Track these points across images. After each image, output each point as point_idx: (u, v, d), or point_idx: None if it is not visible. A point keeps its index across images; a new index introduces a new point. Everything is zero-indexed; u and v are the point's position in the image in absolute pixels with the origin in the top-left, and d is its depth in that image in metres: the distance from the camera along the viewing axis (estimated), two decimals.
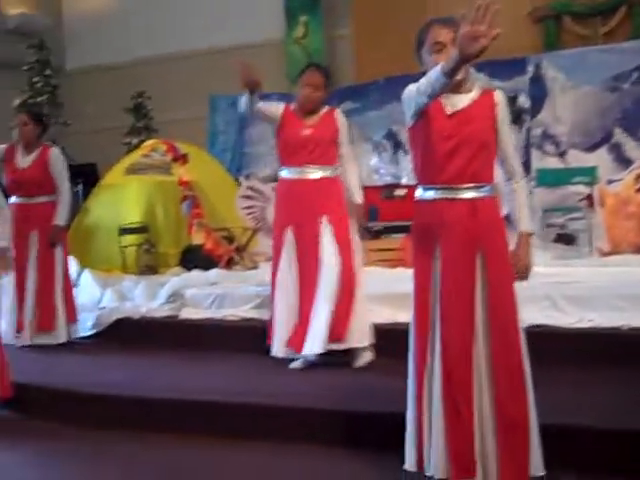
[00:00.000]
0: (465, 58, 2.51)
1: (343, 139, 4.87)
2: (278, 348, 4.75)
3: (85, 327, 6.21)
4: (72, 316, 6.04)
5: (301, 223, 4.75)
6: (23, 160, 5.92)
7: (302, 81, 4.77)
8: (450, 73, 2.61)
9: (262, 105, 4.69)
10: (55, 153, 6.03)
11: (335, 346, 4.65)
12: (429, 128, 2.88)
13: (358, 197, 4.89)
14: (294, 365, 4.79)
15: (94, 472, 3.67)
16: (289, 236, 4.77)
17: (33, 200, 5.90)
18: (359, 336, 4.70)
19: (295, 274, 4.76)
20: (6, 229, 4.93)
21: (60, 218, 5.93)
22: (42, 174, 5.88)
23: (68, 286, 6.09)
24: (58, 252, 5.95)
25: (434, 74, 2.67)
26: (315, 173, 4.76)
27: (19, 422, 4.56)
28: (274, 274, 4.85)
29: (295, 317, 4.72)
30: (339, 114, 4.92)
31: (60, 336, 5.93)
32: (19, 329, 5.86)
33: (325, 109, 4.86)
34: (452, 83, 2.71)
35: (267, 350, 4.83)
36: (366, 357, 4.77)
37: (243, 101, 4.64)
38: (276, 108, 4.82)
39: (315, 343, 4.60)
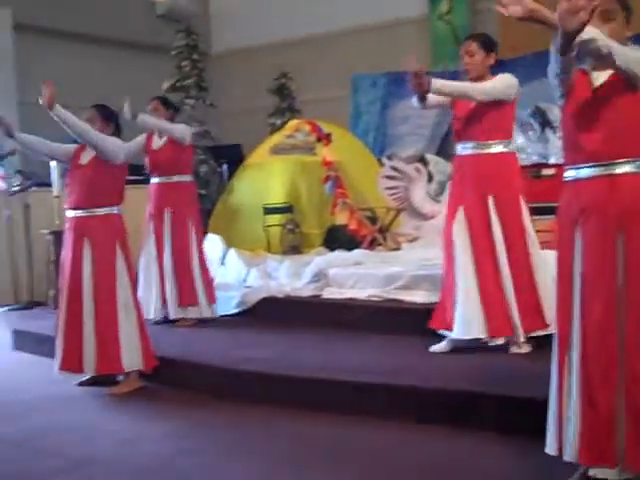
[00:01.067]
0: (567, 34, 2.42)
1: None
2: (461, 330, 4.50)
3: (231, 305, 6.35)
4: (211, 297, 6.17)
5: (470, 203, 4.56)
6: (156, 143, 6.20)
7: (460, 55, 4.62)
8: (561, 50, 2.52)
9: (432, 98, 4.53)
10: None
11: (541, 332, 4.45)
12: (571, 104, 2.81)
13: None
14: (436, 348, 4.70)
15: (237, 444, 3.74)
16: (460, 216, 4.58)
17: (168, 180, 6.11)
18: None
19: (469, 255, 4.53)
20: None
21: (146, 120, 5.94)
22: (174, 155, 6.09)
23: (204, 266, 6.21)
24: (191, 230, 6.09)
25: (551, 53, 2.60)
26: (484, 148, 4.55)
27: (166, 394, 4.70)
28: (448, 254, 4.66)
29: (474, 300, 4.49)
30: (503, 74, 4.61)
31: (199, 312, 6.07)
32: (163, 304, 6.04)
33: (491, 78, 4.58)
34: (568, 60, 2.59)
35: (433, 333, 4.71)
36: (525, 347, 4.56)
37: (414, 101, 4.57)
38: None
39: (517, 331, 4.46)
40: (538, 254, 4.60)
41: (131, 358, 4.68)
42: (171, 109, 6.23)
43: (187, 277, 6.02)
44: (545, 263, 4.55)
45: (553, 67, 2.66)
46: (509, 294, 4.47)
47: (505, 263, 4.49)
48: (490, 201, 4.53)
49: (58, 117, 4.51)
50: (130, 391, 4.72)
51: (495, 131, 4.55)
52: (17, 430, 4.08)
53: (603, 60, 2.62)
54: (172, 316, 6.03)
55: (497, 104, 4.51)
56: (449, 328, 4.60)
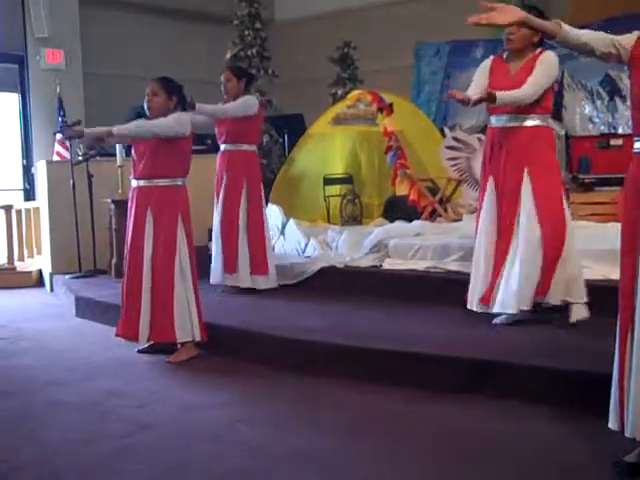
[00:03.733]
0: None
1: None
2: (472, 302, 4.66)
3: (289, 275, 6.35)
4: (258, 268, 6.07)
5: (503, 174, 4.54)
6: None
7: None
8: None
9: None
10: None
11: (538, 301, 4.46)
12: (638, 73, 2.76)
13: None
14: (497, 320, 4.65)
15: (294, 413, 3.74)
16: (490, 187, 4.61)
17: (233, 148, 6.07)
18: (565, 291, 4.45)
19: (493, 226, 4.58)
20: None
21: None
22: (238, 123, 5.99)
23: (256, 236, 6.10)
24: (244, 200, 6.02)
25: None
26: (520, 121, 4.48)
27: (223, 363, 4.72)
28: (476, 225, 4.74)
29: (490, 272, 4.57)
30: (546, 55, 4.46)
31: (239, 280, 6.04)
32: (230, 271, 6.04)
33: (533, 53, 4.48)
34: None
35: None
36: (580, 313, 4.48)
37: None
38: (482, 70, 4.67)
39: (509, 302, 4.44)
40: (569, 227, 4.50)
41: (185, 328, 4.71)
42: (244, 77, 6.11)
43: (231, 245, 6.00)
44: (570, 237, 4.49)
45: None
46: (527, 271, 4.40)
47: (536, 240, 4.40)
48: (525, 172, 4.46)
49: (118, 135, 4.72)
50: (186, 360, 4.76)
51: (533, 105, 4.45)
52: (77, 395, 4.15)
53: None
54: (213, 281, 6.06)
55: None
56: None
